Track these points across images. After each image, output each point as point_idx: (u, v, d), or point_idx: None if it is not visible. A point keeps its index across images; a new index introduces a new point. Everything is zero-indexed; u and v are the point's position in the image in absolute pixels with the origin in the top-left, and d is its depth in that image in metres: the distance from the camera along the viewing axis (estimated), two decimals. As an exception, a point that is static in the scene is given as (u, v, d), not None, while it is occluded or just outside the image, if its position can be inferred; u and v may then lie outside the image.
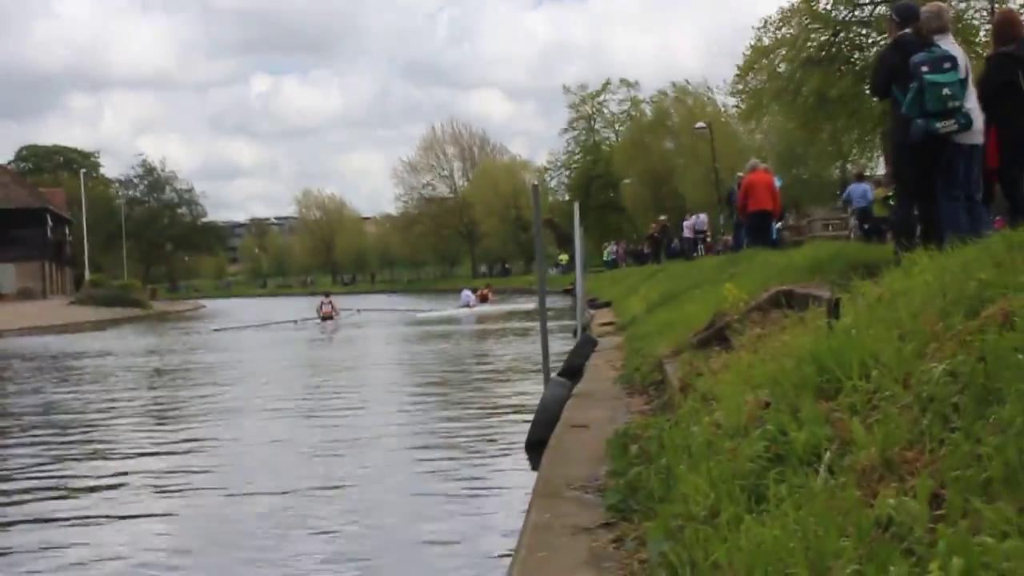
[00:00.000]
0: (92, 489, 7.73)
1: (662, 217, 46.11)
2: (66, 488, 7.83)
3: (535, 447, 7.75)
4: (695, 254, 35.63)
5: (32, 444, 10.02)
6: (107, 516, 6.85)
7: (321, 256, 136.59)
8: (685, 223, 39.49)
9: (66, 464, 8.88)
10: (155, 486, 7.77)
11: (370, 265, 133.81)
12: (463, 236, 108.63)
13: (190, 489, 7.64)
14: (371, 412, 11.48)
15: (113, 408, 12.74)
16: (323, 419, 10.98)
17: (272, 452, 9.03)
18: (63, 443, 10.08)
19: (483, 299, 41.40)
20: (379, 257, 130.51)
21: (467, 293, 40.52)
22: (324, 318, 33.88)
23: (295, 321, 33.25)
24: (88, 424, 11.47)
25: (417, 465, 8.12)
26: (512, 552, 4.53)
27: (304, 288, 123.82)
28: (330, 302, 35.51)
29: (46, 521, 6.72)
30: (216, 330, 31.87)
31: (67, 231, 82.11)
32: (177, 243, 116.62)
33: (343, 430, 10.12)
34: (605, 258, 58.92)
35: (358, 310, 36.97)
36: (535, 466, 7.00)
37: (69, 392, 14.80)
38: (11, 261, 67.68)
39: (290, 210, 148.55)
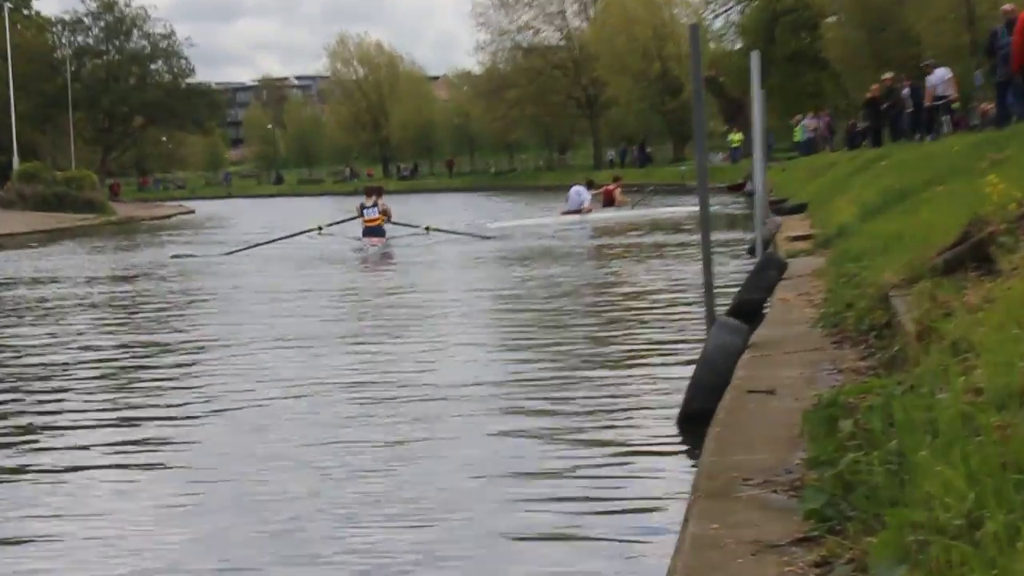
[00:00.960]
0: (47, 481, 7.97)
1: (887, 75, 44.74)
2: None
3: (694, 421, 7.76)
4: (936, 131, 35.02)
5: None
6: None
7: (366, 135, 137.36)
8: (922, 87, 38.62)
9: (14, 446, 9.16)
10: (122, 477, 7.98)
11: (440, 149, 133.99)
12: (580, 105, 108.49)
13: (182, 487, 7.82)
14: (450, 367, 11.61)
15: (66, 367, 13.06)
16: (378, 377, 11.10)
17: (306, 424, 9.18)
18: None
19: (608, 200, 40.97)
20: (453, 137, 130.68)
21: (579, 190, 39.40)
22: (368, 230, 30.26)
23: (318, 229, 30.59)
24: (31, 391, 11.79)
25: (518, 447, 8.18)
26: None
27: (342, 185, 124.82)
28: (378, 206, 30.85)
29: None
30: (175, 257, 29.62)
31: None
32: (150, 115, 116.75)
33: (407, 392, 10.26)
34: (798, 138, 58.33)
35: (427, 229, 31.49)
36: (695, 450, 7.01)
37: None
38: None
39: (318, 67, 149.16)
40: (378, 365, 11.82)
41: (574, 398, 9.72)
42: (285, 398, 10.28)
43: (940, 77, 35.94)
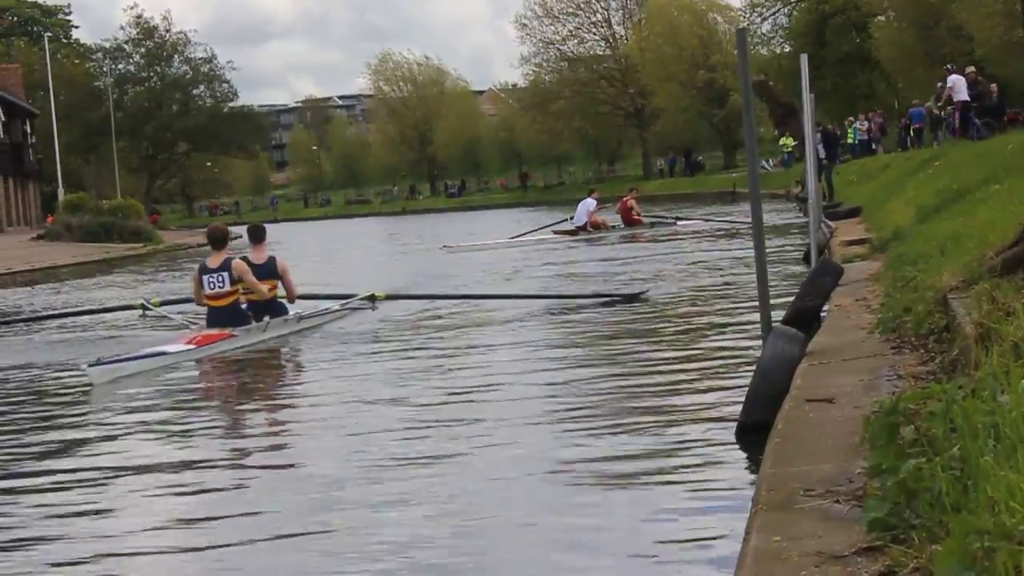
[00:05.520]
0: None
1: (970, 69, 42.63)
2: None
3: (752, 432, 7.73)
4: (985, 131, 34.62)
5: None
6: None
7: (412, 153, 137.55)
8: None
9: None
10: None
11: (487, 165, 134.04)
12: (628, 115, 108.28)
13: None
14: (498, 381, 11.61)
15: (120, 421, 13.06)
16: (423, 403, 11.12)
17: (351, 439, 9.20)
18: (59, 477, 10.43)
19: (625, 213, 38.93)
20: (500, 152, 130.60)
21: (587, 203, 37.72)
22: (214, 315, 15.94)
23: (141, 308, 19.35)
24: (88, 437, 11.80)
25: (571, 460, 8.14)
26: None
27: (391, 204, 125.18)
28: (232, 270, 16.00)
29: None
30: None
31: (28, 128, 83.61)
32: (194, 141, 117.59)
33: (451, 407, 10.30)
34: (851, 140, 58.01)
35: (373, 298, 18.49)
36: (754, 462, 6.98)
37: (53, 387, 15.11)
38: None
39: (360, 85, 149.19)
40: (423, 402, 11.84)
41: (629, 411, 9.69)
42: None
43: (953, 83, 35.65)
